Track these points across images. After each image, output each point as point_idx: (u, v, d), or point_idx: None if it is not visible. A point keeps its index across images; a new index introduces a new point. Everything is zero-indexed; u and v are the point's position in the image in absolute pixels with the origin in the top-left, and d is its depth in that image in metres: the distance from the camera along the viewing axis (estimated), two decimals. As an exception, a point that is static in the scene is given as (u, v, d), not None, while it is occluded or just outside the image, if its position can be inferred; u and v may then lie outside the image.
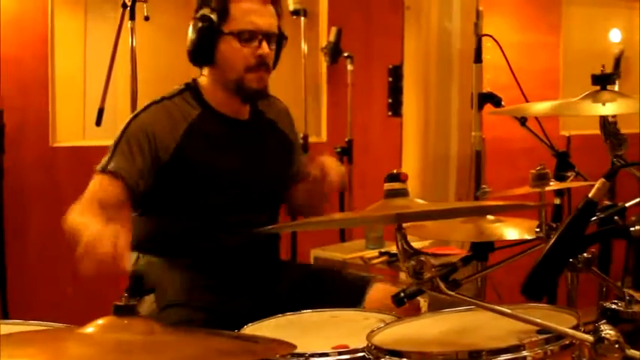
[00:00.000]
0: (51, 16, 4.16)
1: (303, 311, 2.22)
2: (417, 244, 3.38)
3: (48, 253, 4.12)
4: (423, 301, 3.08)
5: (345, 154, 4.44)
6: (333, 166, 2.53)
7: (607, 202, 1.97)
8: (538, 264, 1.56)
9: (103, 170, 2.38)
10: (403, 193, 1.44)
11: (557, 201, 3.02)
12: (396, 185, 1.44)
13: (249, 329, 2.08)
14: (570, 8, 5.46)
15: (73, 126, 4.26)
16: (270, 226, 1.59)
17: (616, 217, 1.82)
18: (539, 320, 1.42)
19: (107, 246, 1.89)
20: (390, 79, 4.70)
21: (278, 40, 2.50)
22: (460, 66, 4.81)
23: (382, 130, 4.80)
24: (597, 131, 2.17)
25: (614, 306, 1.82)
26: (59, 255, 4.09)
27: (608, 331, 1.36)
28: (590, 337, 1.36)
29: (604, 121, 1.94)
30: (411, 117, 4.83)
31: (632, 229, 1.51)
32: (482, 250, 2.36)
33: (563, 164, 2.79)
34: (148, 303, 2.46)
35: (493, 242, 2.39)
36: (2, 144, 3.83)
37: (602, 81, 1.71)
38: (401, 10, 4.77)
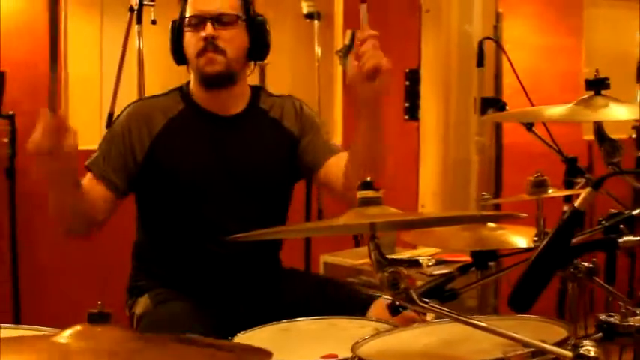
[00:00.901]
0: (64, 19, 4.17)
1: (300, 319, 2.19)
2: (426, 250, 3.36)
3: (60, 257, 4.13)
4: (430, 309, 3.05)
5: (360, 158, 4.40)
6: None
7: (613, 211, 1.92)
8: (523, 276, 1.51)
9: (87, 167, 2.45)
10: (377, 202, 1.39)
11: (565, 208, 2.97)
12: (370, 193, 1.39)
13: (243, 336, 2.05)
14: (592, 10, 5.39)
15: (87, 129, 4.26)
16: (241, 234, 1.55)
17: (621, 226, 1.77)
18: (514, 334, 1.37)
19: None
20: (407, 82, 4.64)
21: (249, 23, 2.47)
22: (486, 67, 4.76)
23: (398, 134, 4.74)
24: (620, 136, 2.12)
25: (610, 319, 1.77)
26: (71, 258, 4.11)
27: (588, 347, 1.31)
28: (568, 353, 1.31)
29: (597, 127, 1.89)
30: (429, 121, 4.77)
31: (619, 240, 1.45)
32: (483, 258, 2.33)
33: (573, 170, 2.73)
34: (142, 302, 2.48)
35: (495, 251, 2.36)
36: (14, 147, 3.84)
37: (596, 86, 1.66)
38: (418, 13, 4.71)
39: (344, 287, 2.68)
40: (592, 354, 1.29)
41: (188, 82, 2.55)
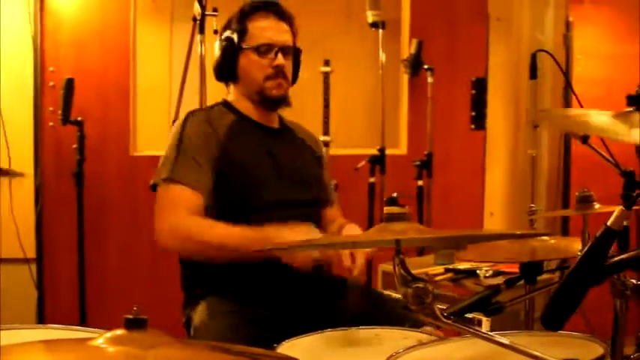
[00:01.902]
0: (133, 27, 4.27)
1: (346, 328, 2.19)
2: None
3: (126, 261, 4.23)
4: (485, 320, 3.01)
5: (425, 167, 4.40)
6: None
7: None
8: (555, 294, 1.49)
9: (171, 181, 2.48)
10: (403, 218, 1.40)
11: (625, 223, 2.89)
12: (395, 209, 1.40)
13: (287, 344, 2.06)
14: (668, 17, 5.24)
15: (155, 135, 4.36)
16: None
17: None
18: (532, 351, 1.35)
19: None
20: (473, 91, 4.60)
21: (295, 54, 2.74)
22: (553, 78, 4.69)
23: (464, 144, 4.72)
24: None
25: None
26: (138, 262, 4.21)
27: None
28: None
29: None
30: (496, 130, 4.73)
31: (654, 259, 1.42)
32: (531, 272, 2.30)
33: (631, 184, 2.67)
34: (199, 312, 2.50)
35: (542, 264, 2.32)
36: (83, 153, 3.95)
37: (637, 102, 1.61)
38: (485, 21, 4.67)
39: (392, 302, 2.69)
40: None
41: (225, 100, 2.74)
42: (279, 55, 2.64)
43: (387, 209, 1.40)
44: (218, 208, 2.54)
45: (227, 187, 2.55)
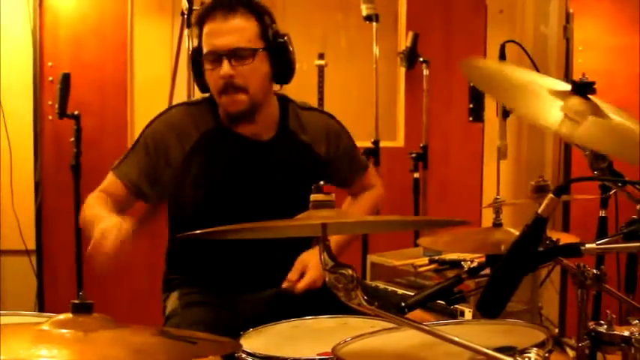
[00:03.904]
0: (131, 22, 4.32)
1: (314, 317, 2.22)
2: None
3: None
4: (468, 311, 3.03)
5: (421, 159, 4.41)
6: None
7: (634, 217, 1.89)
8: (490, 281, 1.52)
9: (113, 170, 2.51)
10: (329, 205, 1.42)
11: (602, 213, 2.91)
12: (322, 197, 1.42)
13: (254, 332, 2.09)
14: (670, 8, 5.21)
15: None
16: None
17: None
18: (455, 338, 1.38)
19: (110, 241, 2.05)
20: (472, 83, 4.59)
21: (272, 48, 2.37)
22: (557, 70, 4.68)
23: (462, 136, 4.73)
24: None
25: (599, 327, 1.75)
26: (135, 252, 4.24)
27: (531, 354, 1.32)
28: (509, 359, 1.31)
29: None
30: (494, 122, 4.72)
31: (582, 247, 1.44)
32: (497, 261, 2.32)
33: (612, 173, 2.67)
34: (172, 300, 2.54)
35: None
36: (79, 146, 4.00)
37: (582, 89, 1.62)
38: (483, 13, 4.67)
39: (371, 290, 2.71)
40: (531, 361, 1.29)
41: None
42: (224, 64, 2.30)
43: (313, 197, 1.43)
44: (193, 214, 2.48)
45: (183, 202, 2.49)
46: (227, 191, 2.46)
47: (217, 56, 2.31)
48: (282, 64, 2.40)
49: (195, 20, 2.39)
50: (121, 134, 4.32)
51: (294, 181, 2.45)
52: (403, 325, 1.44)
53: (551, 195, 1.44)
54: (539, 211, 1.45)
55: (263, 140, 2.48)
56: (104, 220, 2.16)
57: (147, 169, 2.45)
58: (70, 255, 4.07)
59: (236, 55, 2.31)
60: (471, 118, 4.65)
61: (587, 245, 1.45)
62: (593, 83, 1.65)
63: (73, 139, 3.99)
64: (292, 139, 2.52)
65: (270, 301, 2.52)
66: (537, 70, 2.51)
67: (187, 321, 2.38)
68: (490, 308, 1.52)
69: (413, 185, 4.43)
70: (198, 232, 1.49)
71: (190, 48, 3.38)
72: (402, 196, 4.40)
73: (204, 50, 2.35)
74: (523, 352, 1.33)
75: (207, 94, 2.50)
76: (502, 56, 2.77)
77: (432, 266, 3.35)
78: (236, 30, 2.32)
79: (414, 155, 4.40)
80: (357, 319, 2.20)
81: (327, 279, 1.36)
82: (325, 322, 2.20)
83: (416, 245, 4.06)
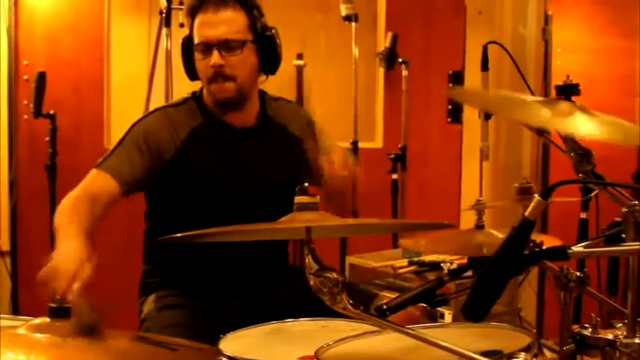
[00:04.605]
0: (107, 20, 4.28)
1: (294, 320, 2.20)
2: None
3: (100, 253, 4.21)
4: (447, 313, 3.02)
5: (399, 160, 4.40)
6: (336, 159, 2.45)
7: (617, 219, 1.88)
8: (476, 284, 1.51)
9: (98, 166, 2.42)
10: (313, 207, 1.40)
11: (583, 215, 2.91)
12: (306, 199, 1.40)
13: (232, 336, 2.07)
14: (648, 11, 5.22)
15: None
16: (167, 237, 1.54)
17: (623, 235, 1.73)
18: (441, 342, 1.36)
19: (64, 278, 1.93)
20: (450, 84, 4.60)
21: (261, 40, 2.48)
22: (535, 72, 4.69)
23: (441, 137, 4.72)
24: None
25: (584, 331, 1.74)
26: (112, 254, 4.21)
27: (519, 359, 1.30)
28: (496, 364, 1.30)
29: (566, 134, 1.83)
30: (473, 124, 4.72)
31: (569, 251, 1.43)
32: (479, 263, 2.30)
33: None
34: (149, 303, 2.51)
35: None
36: (55, 146, 3.95)
37: (566, 92, 1.61)
38: (462, 14, 4.67)
39: (349, 286, 2.68)
40: (518, 365, 1.27)
41: (202, 90, 2.58)
42: (214, 54, 2.41)
43: (297, 199, 1.41)
44: (184, 214, 2.50)
45: (187, 195, 2.51)
46: (222, 179, 2.52)
47: (208, 46, 2.43)
48: (269, 56, 2.52)
49: (188, 11, 2.51)
50: (98, 134, 4.28)
51: (274, 163, 2.59)
52: (388, 330, 1.41)
53: (538, 197, 1.43)
54: (526, 213, 1.44)
55: (245, 127, 2.58)
56: (66, 246, 2.12)
57: (138, 163, 2.44)
58: (45, 256, 4.00)
59: (226, 45, 2.43)
60: (449, 120, 4.67)
61: (574, 248, 1.44)
62: (577, 85, 1.64)
63: (48, 138, 3.94)
64: (270, 124, 2.63)
65: (250, 304, 2.49)
66: (519, 70, 2.49)
67: (164, 323, 2.36)
68: (475, 312, 1.51)
69: (391, 186, 4.41)
70: (179, 235, 1.47)
71: (168, 47, 3.39)
72: (381, 198, 4.39)
73: (196, 40, 2.46)
74: (511, 356, 1.31)
75: (188, 95, 2.60)
76: (485, 58, 2.75)
77: (412, 268, 3.34)
78: (226, 22, 2.44)
79: (392, 156, 4.38)
80: (337, 321, 2.18)
81: (311, 283, 1.34)
82: (305, 324, 2.18)
83: (395, 247, 4.06)
